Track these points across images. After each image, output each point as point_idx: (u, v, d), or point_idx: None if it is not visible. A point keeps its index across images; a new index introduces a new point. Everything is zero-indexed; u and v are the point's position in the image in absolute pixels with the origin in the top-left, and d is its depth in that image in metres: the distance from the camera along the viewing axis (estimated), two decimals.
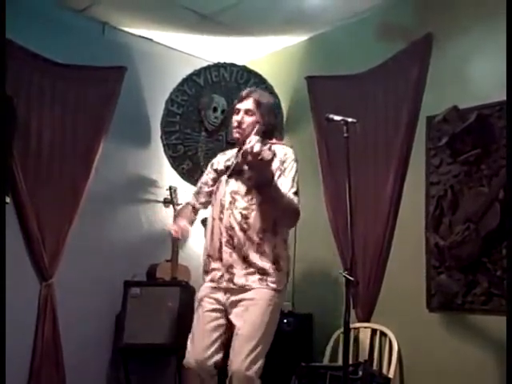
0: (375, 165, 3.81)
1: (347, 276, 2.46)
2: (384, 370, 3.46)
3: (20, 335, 3.60)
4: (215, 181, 2.90)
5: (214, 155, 3.12)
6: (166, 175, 4.47)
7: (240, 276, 2.64)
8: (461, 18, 3.56)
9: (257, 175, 2.45)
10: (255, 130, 2.59)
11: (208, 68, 4.40)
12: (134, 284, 3.97)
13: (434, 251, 3.46)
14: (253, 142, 2.28)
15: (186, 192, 4.10)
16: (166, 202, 4.43)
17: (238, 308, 2.63)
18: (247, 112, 2.74)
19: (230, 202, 2.70)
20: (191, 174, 4.24)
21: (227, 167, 2.83)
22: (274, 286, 2.64)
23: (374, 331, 3.64)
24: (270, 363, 3.63)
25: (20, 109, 3.67)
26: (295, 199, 2.62)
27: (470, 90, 3.44)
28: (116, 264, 4.10)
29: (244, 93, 2.81)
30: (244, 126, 2.72)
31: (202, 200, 2.99)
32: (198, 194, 3.03)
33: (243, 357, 2.54)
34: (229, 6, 4.00)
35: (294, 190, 2.64)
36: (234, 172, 2.73)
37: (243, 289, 2.63)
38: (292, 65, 4.57)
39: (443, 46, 3.61)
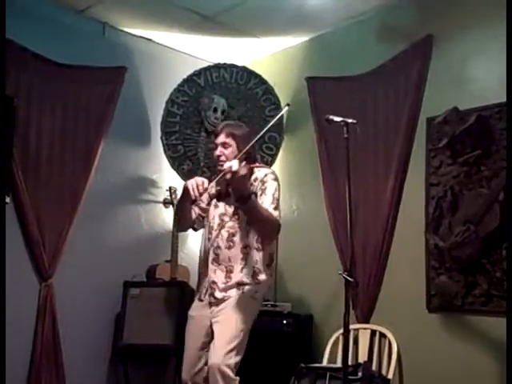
0: (375, 166, 3.81)
1: (347, 277, 2.47)
2: (383, 371, 3.46)
3: (20, 335, 3.61)
4: (208, 202, 3.06)
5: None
6: (166, 176, 4.47)
7: (220, 290, 2.83)
8: (461, 19, 3.57)
9: (235, 190, 2.70)
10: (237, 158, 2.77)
11: (208, 69, 4.41)
12: (134, 284, 3.97)
13: (434, 252, 3.46)
14: (231, 163, 2.61)
15: None
16: (166, 203, 4.43)
17: (218, 317, 2.81)
18: (223, 145, 2.94)
19: (219, 224, 2.92)
20: (191, 175, 4.20)
21: (218, 192, 2.99)
22: (249, 293, 2.81)
23: (373, 332, 3.64)
24: (269, 364, 3.63)
25: (20, 109, 3.67)
26: (274, 213, 2.80)
27: (470, 92, 3.44)
28: (116, 264, 4.09)
29: (218, 128, 3.04)
30: (223, 158, 2.91)
31: (197, 211, 3.09)
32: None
33: (218, 353, 2.68)
34: (229, 6, 4.00)
35: (274, 205, 2.82)
36: (222, 195, 2.92)
37: (222, 300, 2.82)
38: (292, 66, 4.56)
39: (443, 47, 3.61)
